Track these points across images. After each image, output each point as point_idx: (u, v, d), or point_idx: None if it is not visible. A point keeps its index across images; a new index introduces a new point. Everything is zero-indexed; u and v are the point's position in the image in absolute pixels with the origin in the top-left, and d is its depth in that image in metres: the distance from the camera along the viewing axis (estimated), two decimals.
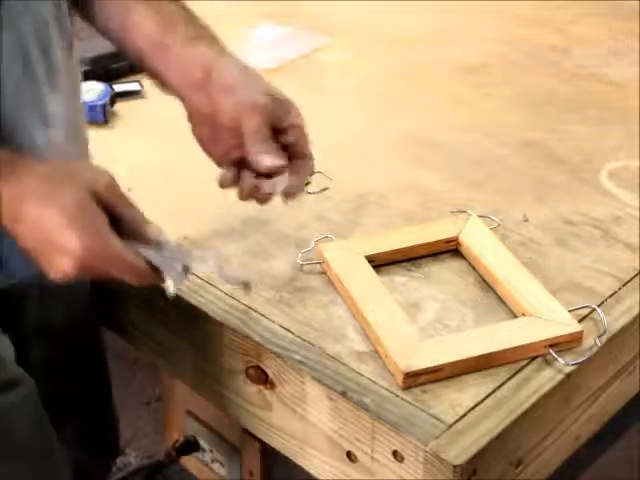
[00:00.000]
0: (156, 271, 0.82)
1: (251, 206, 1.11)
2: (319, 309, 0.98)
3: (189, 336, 1.02)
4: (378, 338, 0.92)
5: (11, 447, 0.97)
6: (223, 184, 0.98)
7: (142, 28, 0.95)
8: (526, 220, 1.13)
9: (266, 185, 0.95)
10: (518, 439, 0.88)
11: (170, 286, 0.82)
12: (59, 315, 1.05)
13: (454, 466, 0.81)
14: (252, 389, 0.97)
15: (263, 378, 0.95)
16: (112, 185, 0.79)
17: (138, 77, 1.41)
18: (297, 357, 0.92)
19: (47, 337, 1.02)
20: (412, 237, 1.06)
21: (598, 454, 1.14)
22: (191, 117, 0.95)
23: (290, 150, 0.94)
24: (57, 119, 0.94)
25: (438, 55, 1.57)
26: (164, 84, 0.96)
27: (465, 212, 1.10)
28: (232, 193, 1.07)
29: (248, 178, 0.96)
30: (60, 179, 0.77)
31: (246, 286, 0.90)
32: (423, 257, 1.06)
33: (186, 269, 0.83)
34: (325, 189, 1.15)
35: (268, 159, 0.91)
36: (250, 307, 0.98)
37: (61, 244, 0.76)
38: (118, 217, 0.79)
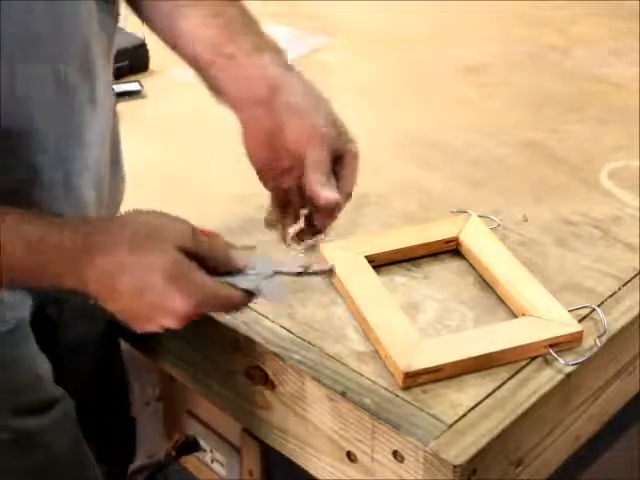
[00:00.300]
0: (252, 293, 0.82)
1: (251, 206, 1.11)
2: (319, 309, 0.98)
3: (189, 336, 1.02)
4: (378, 338, 0.92)
5: (51, 466, 0.98)
6: (269, 224, 0.95)
7: (200, 31, 0.91)
8: (526, 220, 1.13)
9: (307, 234, 0.93)
10: (518, 439, 0.88)
11: (272, 301, 0.83)
12: (80, 331, 1.05)
13: (454, 466, 0.81)
14: (252, 389, 0.97)
15: (263, 378, 0.95)
16: (194, 233, 0.79)
17: (138, 77, 1.41)
18: (297, 357, 0.92)
19: (69, 352, 1.02)
20: (412, 237, 1.06)
21: (598, 454, 1.14)
22: (246, 133, 0.91)
23: (336, 173, 0.90)
24: (94, 138, 0.93)
25: (438, 55, 1.57)
26: (221, 94, 0.92)
27: (465, 212, 1.10)
28: (232, 193, 1.07)
29: (290, 221, 0.94)
30: (147, 244, 0.76)
31: (331, 272, 0.89)
32: (423, 257, 1.06)
33: (276, 277, 0.82)
34: None
35: (328, 192, 0.86)
36: (250, 307, 0.98)
37: (166, 308, 0.76)
38: (207, 261, 0.78)
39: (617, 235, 1.11)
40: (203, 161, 1.25)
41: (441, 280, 1.03)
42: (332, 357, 0.92)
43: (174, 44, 0.94)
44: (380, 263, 1.03)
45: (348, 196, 0.90)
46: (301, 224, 0.91)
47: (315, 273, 0.85)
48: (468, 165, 1.25)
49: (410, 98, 1.44)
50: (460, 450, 0.82)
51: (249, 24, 0.93)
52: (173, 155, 1.25)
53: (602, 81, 1.48)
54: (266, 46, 0.91)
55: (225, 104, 0.92)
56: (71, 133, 0.89)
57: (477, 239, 1.06)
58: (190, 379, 1.06)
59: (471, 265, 1.05)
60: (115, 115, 1.00)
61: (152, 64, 1.44)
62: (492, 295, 1.01)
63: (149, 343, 1.09)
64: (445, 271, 1.05)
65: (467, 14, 1.73)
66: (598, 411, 1.01)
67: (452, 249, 1.07)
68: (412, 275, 1.04)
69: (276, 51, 0.91)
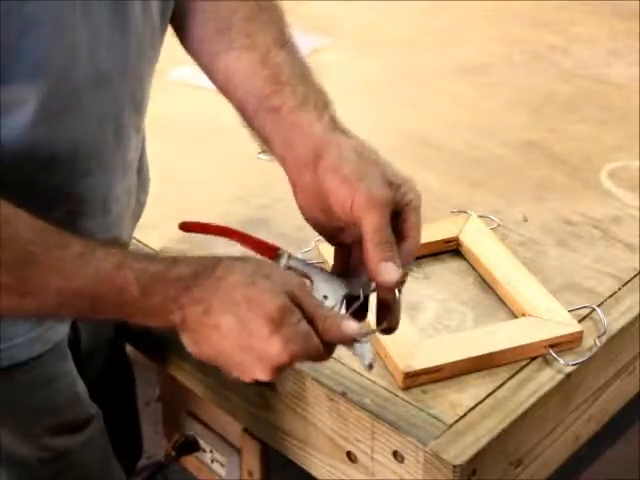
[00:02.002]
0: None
1: (251, 206, 1.11)
2: None
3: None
4: (378, 338, 0.91)
5: None
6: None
7: (248, 79, 0.88)
8: (526, 220, 1.13)
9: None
10: (518, 439, 0.88)
11: (363, 359, 0.79)
12: (91, 336, 1.05)
13: (454, 466, 0.81)
14: (252, 389, 0.97)
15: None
16: (303, 285, 0.76)
17: None
18: None
19: (82, 358, 1.02)
20: None
21: (598, 454, 1.14)
22: (296, 191, 0.86)
23: (398, 230, 0.82)
24: (134, 161, 0.93)
25: (438, 55, 1.57)
26: (268, 147, 0.88)
27: (465, 212, 1.10)
28: (232, 193, 1.07)
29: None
30: (260, 283, 0.73)
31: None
32: (423, 257, 1.06)
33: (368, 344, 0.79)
34: None
35: (386, 269, 0.77)
36: None
37: (264, 352, 0.73)
38: (310, 316, 0.75)
39: (617, 235, 1.11)
40: (203, 161, 1.25)
41: (441, 280, 1.03)
42: (332, 357, 0.92)
43: (222, 87, 0.91)
44: None
45: (410, 256, 0.81)
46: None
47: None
48: (468, 165, 1.25)
49: (410, 98, 1.44)
50: (460, 450, 0.82)
51: (298, 72, 0.89)
52: (173, 155, 1.25)
53: (602, 81, 1.48)
54: (311, 99, 0.86)
55: (273, 157, 0.89)
56: (116, 162, 0.88)
57: (477, 239, 1.06)
58: (190, 379, 1.06)
59: (471, 265, 1.05)
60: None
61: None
62: (492, 295, 1.01)
63: (153, 345, 1.09)
64: (445, 271, 1.05)
65: (467, 14, 1.73)
66: (598, 411, 1.01)
67: (452, 249, 1.07)
68: (412, 275, 1.04)
69: (322, 105, 0.87)
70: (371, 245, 0.77)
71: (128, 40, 0.84)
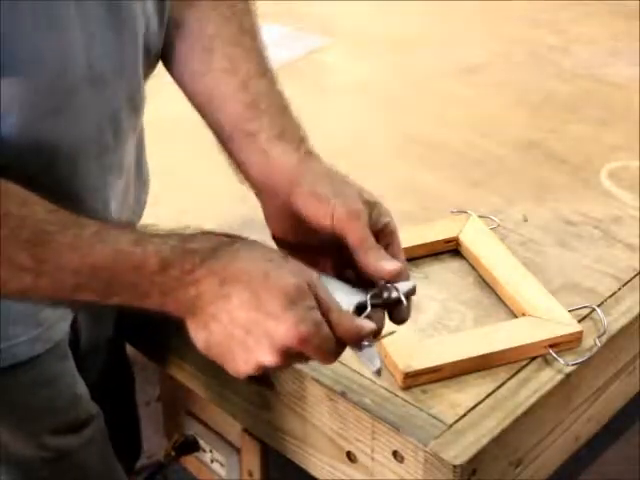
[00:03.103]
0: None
1: (251, 206, 1.11)
2: None
3: (189, 336, 1.01)
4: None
5: None
6: None
7: (226, 105, 0.88)
8: (526, 220, 1.13)
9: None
10: (518, 439, 0.88)
11: (371, 365, 0.78)
12: (92, 335, 1.05)
13: (454, 466, 0.81)
14: (252, 389, 0.97)
15: (263, 378, 0.95)
16: (319, 279, 0.75)
17: None
18: None
19: (82, 356, 1.02)
20: (412, 237, 1.06)
21: (598, 454, 1.14)
22: (268, 217, 0.88)
23: None
24: (132, 162, 0.93)
25: (438, 55, 1.57)
26: (241, 173, 0.89)
27: (465, 212, 1.10)
28: (232, 193, 1.07)
29: None
30: (279, 262, 0.74)
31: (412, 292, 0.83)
32: (423, 257, 1.06)
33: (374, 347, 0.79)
34: None
35: (389, 264, 0.79)
36: None
37: (272, 328, 0.71)
38: (325, 307, 0.74)
39: (617, 235, 1.11)
40: (203, 161, 1.25)
41: (441, 280, 1.03)
42: None
43: (200, 107, 0.92)
44: None
45: (405, 275, 0.83)
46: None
47: (398, 300, 0.81)
48: (468, 165, 1.25)
49: (410, 98, 1.44)
50: (460, 450, 0.82)
51: (277, 103, 0.89)
52: (172, 155, 1.25)
53: (602, 81, 1.48)
54: (289, 132, 0.87)
55: (244, 182, 0.90)
56: (114, 163, 0.88)
57: (477, 239, 1.06)
58: (190, 379, 1.07)
59: (471, 265, 1.05)
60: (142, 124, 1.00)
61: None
62: (492, 295, 1.01)
63: (153, 345, 1.09)
64: (445, 271, 1.05)
65: (467, 14, 1.73)
66: (598, 411, 1.01)
67: (452, 249, 1.07)
68: (412, 275, 1.03)
69: (299, 138, 0.87)
70: (362, 253, 0.79)
71: (124, 40, 0.84)
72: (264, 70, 0.91)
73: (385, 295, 0.80)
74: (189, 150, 1.28)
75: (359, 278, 0.81)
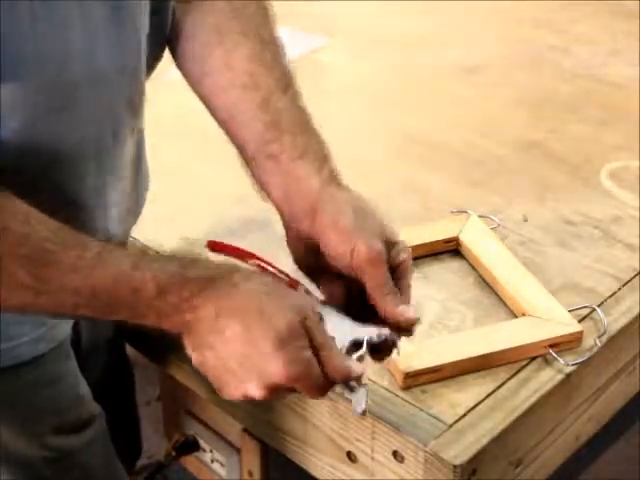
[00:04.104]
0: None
1: (250, 206, 1.11)
2: None
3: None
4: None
5: None
6: None
7: (248, 124, 0.87)
8: (526, 220, 1.13)
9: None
10: (518, 439, 0.88)
11: (357, 405, 0.78)
12: (91, 336, 1.05)
13: (454, 466, 0.81)
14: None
15: None
16: (316, 315, 0.75)
17: None
18: None
19: (82, 357, 1.02)
20: (412, 237, 1.06)
21: (598, 454, 1.14)
22: (289, 241, 0.87)
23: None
24: (131, 161, 0.93)
25: (438, 55, 1.57)
26: (265, 192, 0.88)
27: (465, 212, 1.10)
28: (232, 193, 1.07)
29: None
30: (276, 298, 0.73)
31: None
32: (423, 257, 1.06)
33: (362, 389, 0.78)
34: None
35: (408, 311, 0.79)
36: None
37: (262, 366, 0.72)
38: (318, 346, 0.74)
39: (617, 235, 1.11)
40: (203, 161, 1.25)
41: (441, 280, 1.03)
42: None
43: (222, 123, 0.91)
44: None
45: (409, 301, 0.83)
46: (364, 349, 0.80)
47: (394, 343, 0.80)
48: (468, 165, 1.25)
49: (410, 98, 1.44)
50: (460, 450, 0.82)
51: (299, 120, 0.88)
52: (172, 155, 1.25)
53: (602, 81, 1.48)
54: (310, 150, 0.86)
55: (268, 202, 0.89)
56: (114, 162, 0.88)
57: (477, 239, 1.06)
58: (190, 379, 1.06)
59: (471, 265, 1.05)
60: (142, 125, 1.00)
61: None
62: (492, 295, 1.01)
63: (153, 346, 1.09)
64: (445, 271, 1.05)
65: (467, 14, 1.73)
66: (598, 411, 1.01)
67: (452, 249, 1.07)
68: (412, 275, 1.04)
69: (322, 157, 0.86)
70: (380, 297, 0.79)
71: (126, 40, 0.84)
72: (285, 86, 0.90)
73: (382, 337, 0.79)
74: (189, 149, 1.28)
75: (366, 310, 0.81)
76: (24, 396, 0.92)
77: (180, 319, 0.74)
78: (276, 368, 0.71)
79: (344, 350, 0.78)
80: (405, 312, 0.79)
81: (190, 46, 0.92)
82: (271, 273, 0.83)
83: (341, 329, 0.79)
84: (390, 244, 0.81)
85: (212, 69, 0.90)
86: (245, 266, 0.80)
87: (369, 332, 0.79)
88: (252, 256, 0.84)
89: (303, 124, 0.88)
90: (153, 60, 0.92)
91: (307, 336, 0.73)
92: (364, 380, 0.78)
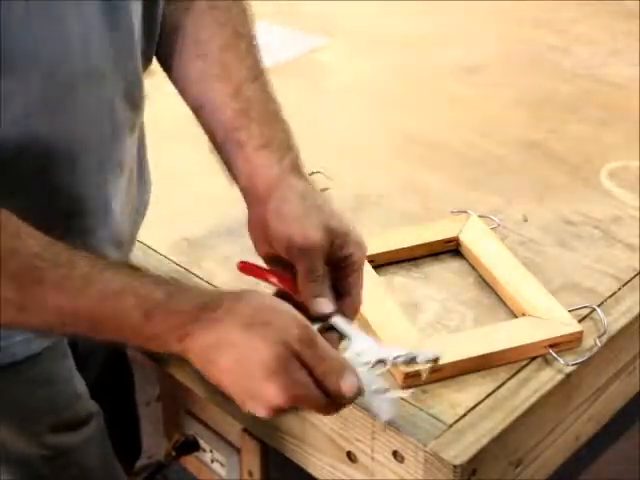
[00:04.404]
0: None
1: None
2: None
3: None
4: (378, 338, 0.91)
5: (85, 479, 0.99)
6: None
7: (219, 111, 0.90)
8: (526, 220, 1.13)
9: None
10: (518, 439, 0.88)
11: (383, 414, 0.78)
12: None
13: (454, 466, 0.81)
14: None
15: None
16: (304, 335, 0.74)
17: None
18: None
19: (81, 356, 1.02)
20: (412, 237, 1.06)
21: (598, 454, 1.14)
22: (249, 224, 0.88)
23: (339, 286, 0.84)
24: (132, 160, 0.93)
25: (438, 55, 1.57)
26: (233, 177, 0.91)
27: (465, 212, 1.10)
28: (232, 193, 1.06)
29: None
30: (260, 329, 0.73)
31: (437, 361, 0.85)
32: (423, 257, 1.06)
33: (389, 394, 0.79)
34: (325, 189, 1.15)
35: (318, 305, 0.80)
36: None
37: (260, 394, 0.73)
38: (310, 365, 0.74)
39: (617, 235, 1.11)
40: (203, 161, 1.25)
41: (441, 280, 1.03)
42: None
43: (195, 111, 0.93)
44: (380, 263, 1.03)
45: (354, 313, 0.84)
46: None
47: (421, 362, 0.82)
48: (468, 165, 1.25)
49: (410, 98, 1.44)
50: (460, 450, 0.82)
51: (267, 109, 0.90)
52: (173, 155, 1.25)
53: (602, 81, 1.48)
54: (275, 140, 0.88)
55: (237, 187, 0.91)
56: (113, 160, 0.89)
57: (477, 239, 1.06)
58: (190, 379, 1.06)
59: (471, 265, 1.05)
60: (142, 123, 1.00)
61: (152, 64, 1.45)
62: (492, 295, 1.01)
63: None
64: (445, 271, 1.05)
65: (467, 14, 1.73)
66: (598, 411, 1.01)
67: (452, 249, 1.07)
68: (412, 275, 1.04)
69: (285, 147, 0.88)
70: (303, 283, 0.81)
71: (120, 37, 0.84)
72: (256, 74, 0.91)
73: (408, 358, 0.81)
74: (189, 151, 1.28)
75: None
76: (21, 395, 0.92)
77: (168, 347, 0.74)
78: (274, 394, 0.72)
79: (370, 366, 0.78)
80: (318, 305, 0.80)
81: (168, 38, 0.93)
82: (299, 299, 0.82)
83: (367, 349, 0.79)
84: (337, 236, 0.82)
85: (187, 58, 0.92)
86: (246, 287, 0.80)
87: (395, 351, 0.80)
88: (282, 280, 0.84)
89: (271, 113, 0.90)
90: (145, 60, 0.92)
91: (298, 360, 0.73)
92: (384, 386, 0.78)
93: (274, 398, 0.72)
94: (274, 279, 0.84)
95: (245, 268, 0.87)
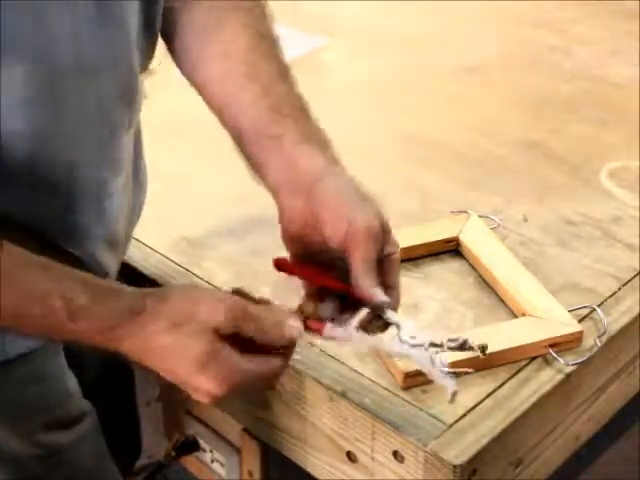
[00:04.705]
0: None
1: (250, 206, 1.11)
2: None
3: None
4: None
5: (77, 479, 0.99)
6: (305, 313, 0.82)
7: (249, 109, 0.87)
8: (526, 220, 1.13)
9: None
10: (518, 439, 0.88)
11: (449, 388, 0.78)
12: None
13: (454, 466, 0.81)
14: (252, 389, 0.97)
15: None
16: (236, 314, 0.75)
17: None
18: (297, 357, 0.92)
19: (80, 355, 1.02)
20: (412, 237, 1.06)
21: (598, 454, 1.14)
22: (284, 221, 0.85)
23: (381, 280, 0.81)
24: (128, 158, 0.93)
25: (438, 55, 1.57)
26: (261, 174, 0.87)
27: (465, 212, 1.10)
28: (232, 193, 1.07)
29: (327, 312, 0.83)
30: (185, 327, 0.74)
31: (484, 349, 0.82)
32: (423, 257, 1.06)
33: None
34: None
35: (380, 296, 0.78)
36: None
37: (197, 387, 0.75)
38: (248, 338, 0.75)
39: (617, 235, 1.11)
40: (203, 161, 1.25)
41: (441, 280, 1.03)
42: (332, 357, 0.92)
43: (220, 112, 0.91)
44: None
45: (397, 305, 0.82)
46: (363, 314, 0.79)
47: (471, 348, 0.80)
48: (468, 165, 1.25)
49: (410, 98, 1.44)
50: (460, 450, 0.82)
51: (298, 107, 0.88)
52: (173, 155, 1.25)
53: (602, 81, 1.48)
54: (313, 134, 0.87)
55: (264, 185, 0.88)
56: (109, 158, 0.88)
57: (477, 239, 1.06)
58: None
59: (471, 265, 1.05)
60: (139, 122, 1.00)
61: (152, 64, 1.45)
62: (492, 295, 1.01)
63: None
64: (445, 271, 1.05)
65: (467, 14, 1.73)
66: (598, 411, 1.01)
67: (452, 249, 1.07)
68: (412, 275, 1.04)
69: (324, 142, 0.86)
70: (360, 272, 0.78)
71: (114, 35, 0.83)
72: (284, 74, 0.90)
73: (460, 343, 0.79)
74: (190, 150, 1.28)
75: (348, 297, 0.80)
76: (13, 393, 0.92)
77: (99, 346, 0.76)
78: (210, 386, 0.74)
79: (425, 347, 0.77)
80: (377, 295, 0.78)
81: (187, 37, 0.92)
82: (352, 295, 0.80)
83: (419, 332, 0.78)
84: (387, 231, 0.81)
85: (210, 58, 0.91)
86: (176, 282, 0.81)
87: (446, 335, 0.79)
88: (325, 280, 0.82)
89: (304, 111, 0.89)
90: (144, 58, 0.91)
91: (228, 341, 0.74)
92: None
93: (212, 389, 0.74)
94: (318, 277, 0.82)
95: (280, 264, 0.86)
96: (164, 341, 0.75)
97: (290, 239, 0.85)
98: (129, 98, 0.89)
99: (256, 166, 0.88)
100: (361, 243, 0.79)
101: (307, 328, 0.78)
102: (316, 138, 0.86)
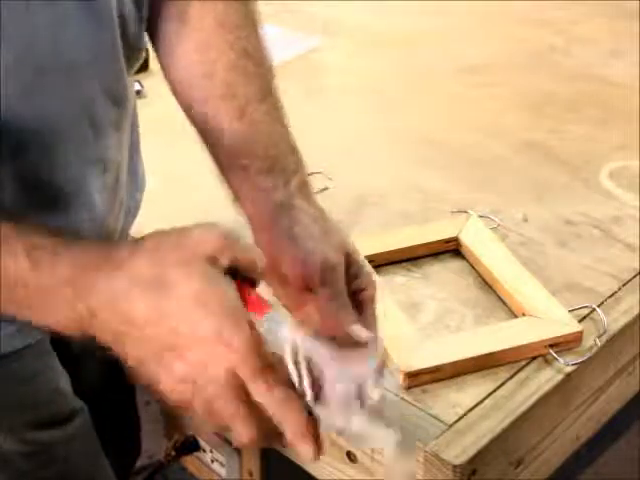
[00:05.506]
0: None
1: None
2: None
3: None
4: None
5: (68, 478, 0.98)
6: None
7: (223, 136, 0.86)
8: (526, 220, 1.13)
9: None
10: (518, 439, 0.88)
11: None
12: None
13: (454, 466, 0.81)
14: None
15: None
16: (225, 238, 0.70)
17: (138, 77, 1.41)
18: None
19: (79, 355, 1.02)
20: (412, 237, 1.06)
21: (598, 454, 1.14)
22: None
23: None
24: (118, 158, 0.92)
25: (438, 55, 1.57)
26: (237, 202, 0.87)
27: (465, 212, 1.10)
28: (228, 194, 1.06)
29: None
30: (171, 255, 0.67)
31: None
32: (423, 257, 1.06)
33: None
34: (325, 189, 1.15)
35: (363, 332, 0.71)
36: None
37: (193, 335, 0.64)
38: (241, 267, 0.69)
39: (617, 235, 1.11)
40: (203, 161, 1.25)
41: (441, 280, 1.03)
42: None
43: (200, 132, 0.90)
44: (380, 263, 1.03)
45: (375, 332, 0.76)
46: None
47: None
48: (468, 165, 1.25)
49: (410, 98, 1.44)
50: (460, 450, 0.82)
51: (273, 131, 0.87)
52: (173, 155, 1.25)
53: (602, 81, 1.48)
54: (281, 164, 0.84)
55: (241, 214, 0.87)
56: (94, 157, 0.87)
57: (477, 239, 1.06)
58: None
59: (471, 265, 1.05)
60: (134, 122, 0.99)
61: (152, 64, 1.45)
62: (492, 295, 1.01)
63: None
64: (445, 271, 1.05)
65: (467, 14, 1.73)
66: (598, 411, 1.01)
67: (452, 249, 1.07)
68: (412, 275, 1.04)
69: (291, 170, 0.84)
70: (330, 308, 0.75)
71: (99, 29, 0.82)
72: (264, 95, 0.89)
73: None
74: (189, 150, 1.28)
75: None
76: (2, 391, 0.91)
77: (62, 312, 0.67)
78: (207, 325, 0.64)
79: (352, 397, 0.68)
80: (358, 332, 0.71)
81: (178, 60, 0.91)
82: None
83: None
84: (353, 263, 0.79)
85: (194, 78, 0.90)
86: None
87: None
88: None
89: (277, 136, 0.87)
90: (135, 51, 0.91)
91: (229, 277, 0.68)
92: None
93: (210, 329, 0.64)
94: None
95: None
96: (148, 276, 0.65)
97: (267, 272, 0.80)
98: (115, 96, 0.87)
99: (232, 194, 0.87)
100: (321, 280, 0.76)
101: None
102: (282, 167, 0.85)
